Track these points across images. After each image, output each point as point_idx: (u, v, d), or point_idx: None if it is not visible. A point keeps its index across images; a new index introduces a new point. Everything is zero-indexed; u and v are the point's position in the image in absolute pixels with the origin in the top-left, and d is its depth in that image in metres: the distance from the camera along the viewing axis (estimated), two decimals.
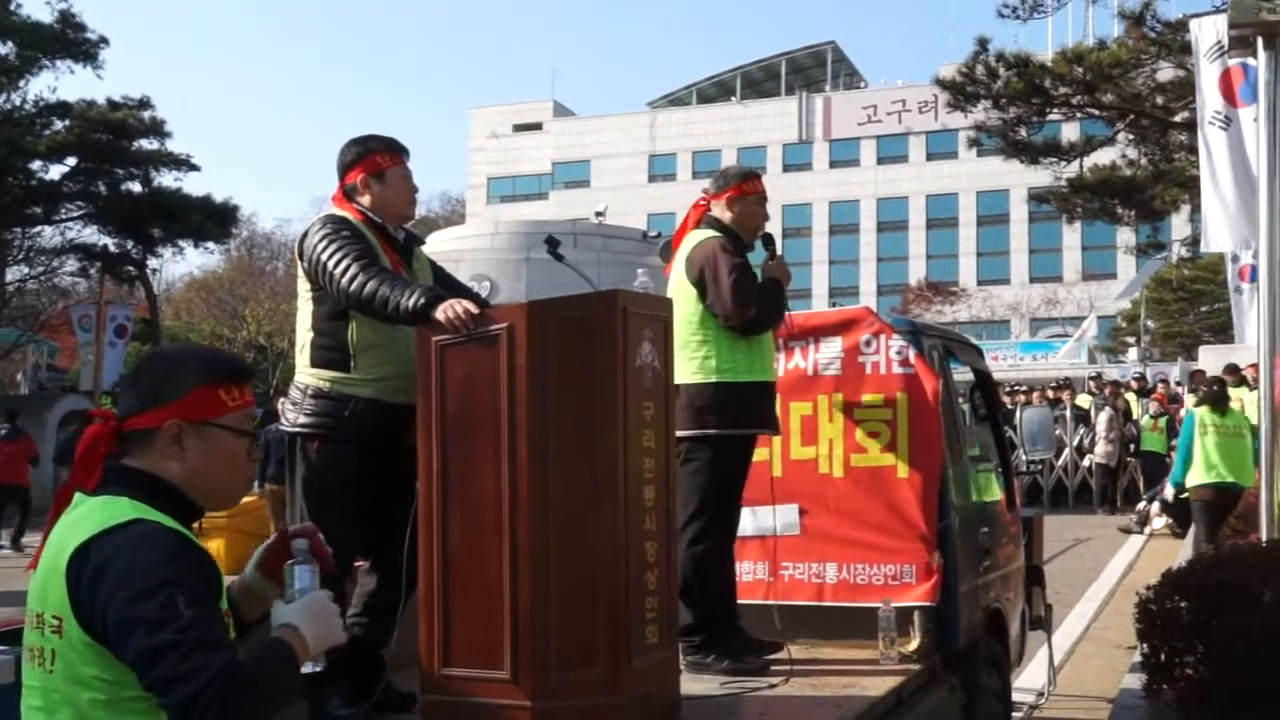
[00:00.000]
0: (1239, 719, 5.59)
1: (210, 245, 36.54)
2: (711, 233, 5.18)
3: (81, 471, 2.44)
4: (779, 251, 5.52)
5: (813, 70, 72.05)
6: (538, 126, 72.22)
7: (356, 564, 4.40)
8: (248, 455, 2.59)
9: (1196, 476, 11.25)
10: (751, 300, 5.05)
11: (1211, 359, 27.66)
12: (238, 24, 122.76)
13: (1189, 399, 21.24)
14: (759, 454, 5.39)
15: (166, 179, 32.30)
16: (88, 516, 2.35)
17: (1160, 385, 22.16)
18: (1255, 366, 11.18)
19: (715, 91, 72.88)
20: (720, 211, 5.24)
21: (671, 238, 5.26)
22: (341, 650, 4.21)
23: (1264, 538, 7.22)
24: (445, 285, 4.43)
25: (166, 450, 2.45)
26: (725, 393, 5.05)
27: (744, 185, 5.33)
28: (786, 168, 67.03)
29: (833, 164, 66.84)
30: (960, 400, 6.48)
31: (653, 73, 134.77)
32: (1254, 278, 9.84)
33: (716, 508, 5.04)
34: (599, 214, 28.20)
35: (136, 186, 31.95)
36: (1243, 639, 5.85)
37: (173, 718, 2.21)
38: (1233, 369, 15.96)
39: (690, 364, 5.02)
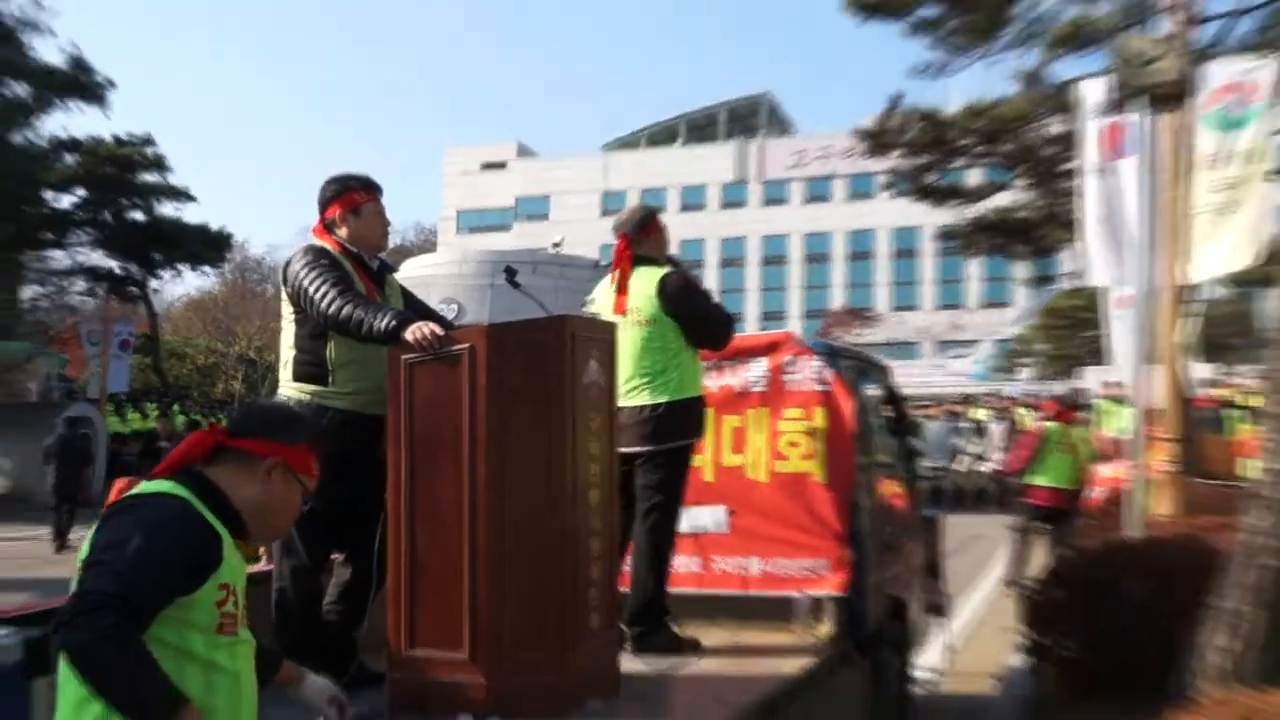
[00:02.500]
0: (1105, 694, 5.70)
1: (206, 269, 36.34)
2: (662, 268, 5.17)
3: (166, 463, 2.52)
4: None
5: (749, 118, 72.30)
6: (503, 165, 72.04)
7: (333, 557, 4.41)
8: (297, 510, 2.69)
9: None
10: (730, 318, 5.32)
11: (1092, 378, 28.06)
12: (236, 69, 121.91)
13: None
14: (695, 460, 5.45)
15: (167, 209, 32.09)
16: (136, 490, 2.45)
17: (1049, 402, 22.38)
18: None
19: (662, 135, 72.97)
20: (649, 248, 5.24)
21: (617, 275, 5.19)
22: (319, 634, 4.27)
23: (1131, 535, 7.35)
24: (415, 309, 4.43)
25: (258, 475, 2.54)
26: (692, 406, 5.11)
27: (658, 222, 5.34)
28: (724, 205, 67.29)
29: (765, 202, 67.10)
30: (871, 414, 6.55)
31: (606, 118, 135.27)
32: (1125, 307, 10.04)
33: (672, 508, 5.07)
34: (556, 245, 28.11)
35: (139, 215, 31.70)
36: (1110, 627, 5.97)
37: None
38: (1116, 386, 16.25)
39: (665, 382, 5.02)
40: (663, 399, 5.00)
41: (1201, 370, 21.75)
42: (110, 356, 25.55)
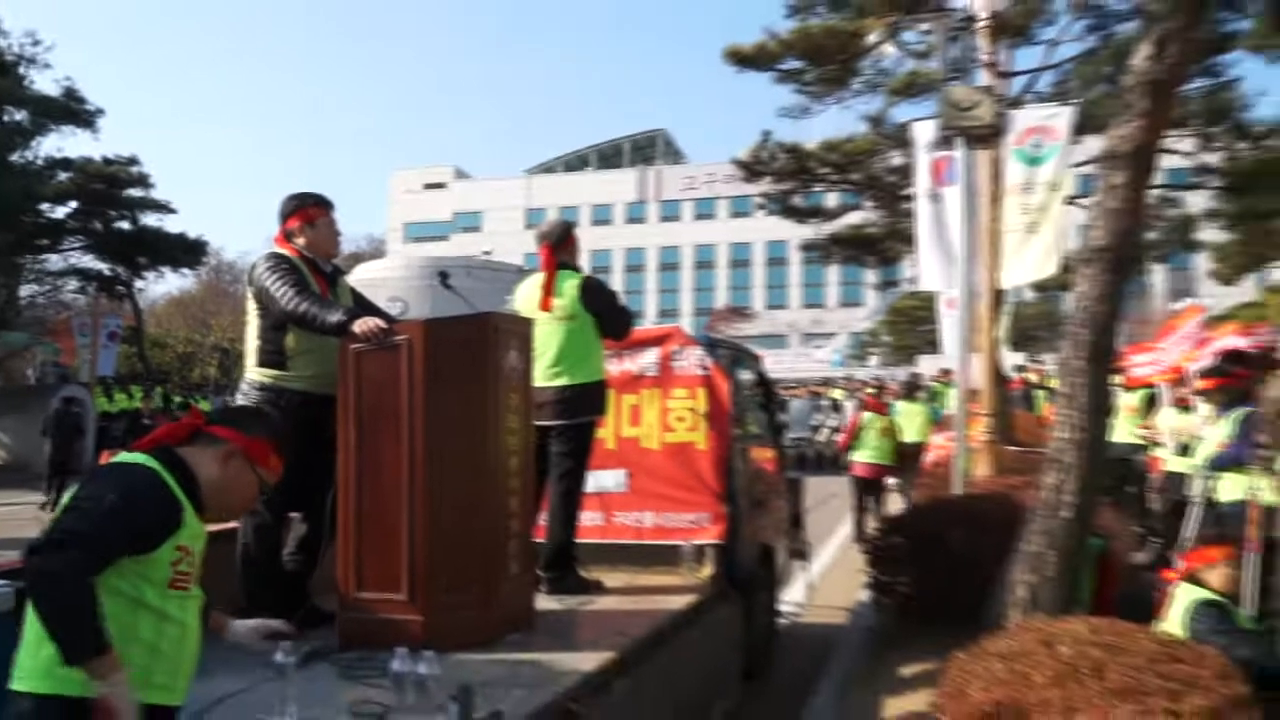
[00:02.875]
0: (934, 623, 5.80)
1: (185, 271, 35.14)
2: (579, 274, 5.17)
3: (148, 439, 2.48)
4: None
5: (648, 149, 72.28)
6: (442, 185, 71.10)
7: (291, 515, 4.32)
8: (253, 498, 2.63)
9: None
10: (632, 315, 5.34)
11: (927, 365, 28.58)
12: (214, 99, 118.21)
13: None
14: (600, 433, 5.45)
15: (150, 219, 31.04)
16: (117, 458, 2.43)
17: (870, 397, 22.68)
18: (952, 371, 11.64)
19: (576, 162, 72.67)
20: (566, 255, 5.23)
21: (544, 278, 5.16)
22: (278, 580, 4.19)
23: (955, 493, 7.49)
24: (362, 306, 4.36)
25: (219, 457, 2.48)
26: (598, 388, 5.12)
27: (574, 235, 5.33)
28: (628, 221, 67.25)
29: (662, 219, 67.17)
30: (745, 394, 6.61)
31: (530, 147, 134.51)
32: (952, 306, 10.23)
33: (580, 472, 5.08)
34: (486, 253, 28.15)
35: (126, 225, 30.65)
36: (938, 568, 6.10)
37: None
38: (945, 371, 16.62)
39: (581, 367, 5.02)
40: (577, 381, 5.01)
41: (1013, 358, 22.31)
42: (99, 346, 24.69)
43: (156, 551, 2.27)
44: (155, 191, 30.99)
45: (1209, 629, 3.98)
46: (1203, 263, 29.15)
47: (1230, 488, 6.48)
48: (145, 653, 2.24)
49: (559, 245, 5.20)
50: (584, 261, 5.44)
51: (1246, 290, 31.07)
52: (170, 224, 31.82)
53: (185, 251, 31.41)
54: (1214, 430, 7.00)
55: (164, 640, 2.30)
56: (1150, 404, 10.40)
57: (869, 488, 11.52)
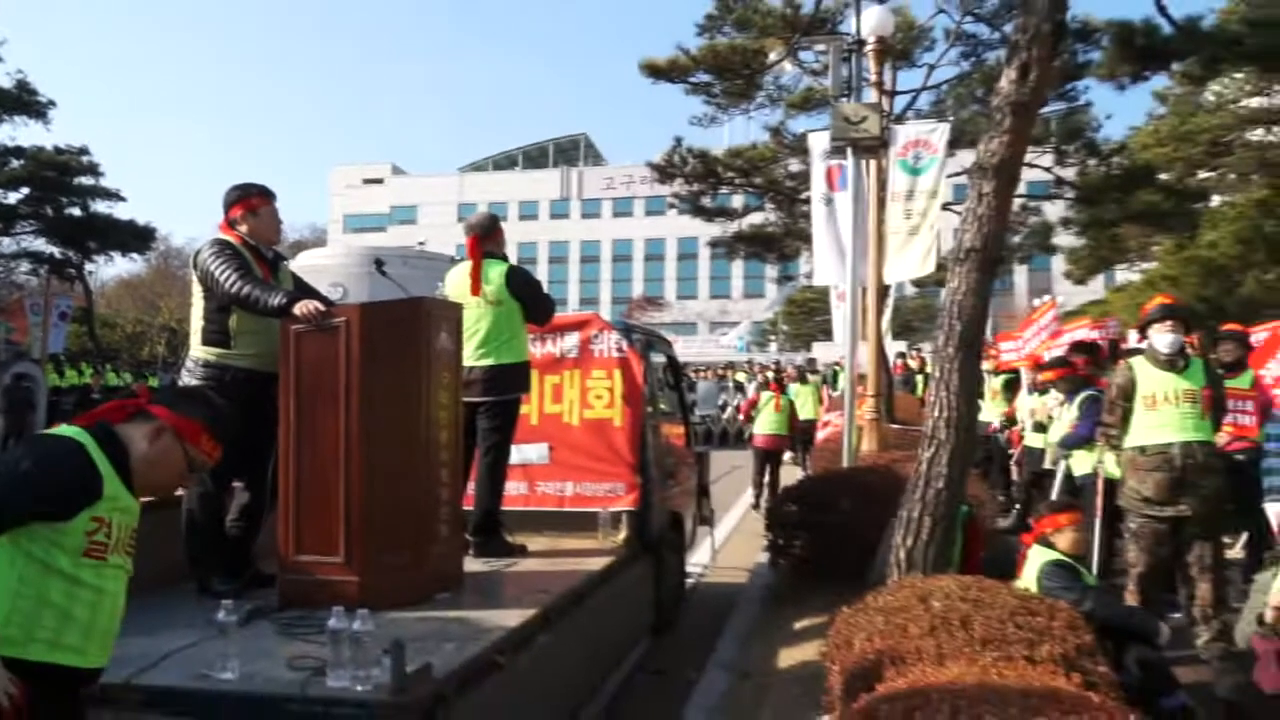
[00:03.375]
0: (824, 581, 5.89)
1: (134, 256, 33.89)
2: (505, 263, 5.11)
3: (91, 414, 2.37)
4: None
5: (571, 151, 71.90)
6: (380, 181, 69.82)
7: (234, 484, 4.20)
8: (183, 477, 2.48)
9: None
10: (553, 302, 5.28)
11: (821, 352, 28.99)
12: (170, 104, 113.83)
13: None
14: (524, 409, 5.41)
15: (101, 206, 29.84)
16: (51, 430, 2.33)
17: (772, 384, 22.81)
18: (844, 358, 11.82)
19: (505, 161, 71.97)
20: (492, 245, 5.16)
21: (471, 265, 5.09)
22: (222, 546, 4.07)
23: (843, 465, 7.61)
24: (303, 290, 4.24)
25: (148, 433, 2.35)
26: (522, 368, 5.07)
27: (500, 227, 5.26)
28: (552, 216, 66.89)
29: (583, 216, 66.96)
30: (656, 375, 6.62)
31: (462, 147, 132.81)
32: (843, 299, 10.35)
33: (506, 445, 5.03)
34: (421, 244, 27.66)
35: (77, 211, 29.42)
36: (829, 532, 6.18)
37: None
38: (840, 357, 16.93)
39: (507, 349, 4.97)
40: (503, 362, 4.96)
41: (896, 346, 22.77)
42: (50, 325, 23.72)
43: (72, 520, 2.16)
44: (107, 180, 29.90)
45: (1059, 586, 4.11)
46: (1058, 264, 30.08)
47: (1081, 463, 6.70)
48: (56, 615, 2.16)
49: (486, 236, 5.14)
50: (511, 253, 5.38)
51: (1095, 289, 32.21)
52: (120, 211, 30.64)
53: (134, 237, 30.33)
54: (1065, 413, 7.22)
55: (76, 605, 2.19)
56: (1011, 387, 10.70)
57: (768, 457, 11.71)
